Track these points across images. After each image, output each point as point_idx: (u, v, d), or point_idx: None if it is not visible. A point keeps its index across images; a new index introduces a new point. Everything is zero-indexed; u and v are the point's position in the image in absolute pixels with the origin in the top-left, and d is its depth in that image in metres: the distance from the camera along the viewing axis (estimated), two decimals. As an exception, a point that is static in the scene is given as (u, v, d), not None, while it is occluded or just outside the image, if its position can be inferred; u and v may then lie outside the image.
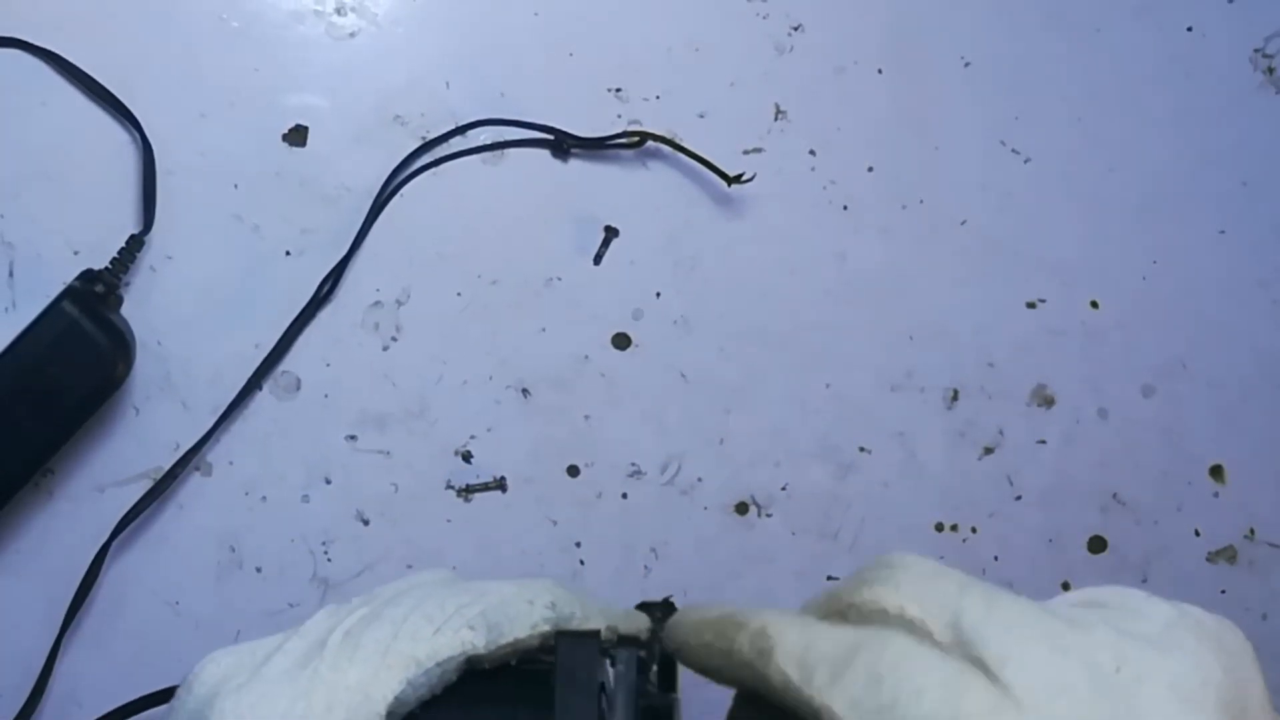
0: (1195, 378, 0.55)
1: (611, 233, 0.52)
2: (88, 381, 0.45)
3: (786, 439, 0.52)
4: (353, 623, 0.28)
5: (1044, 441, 0.54)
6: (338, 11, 0.51)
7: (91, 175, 0.49)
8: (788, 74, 0.54)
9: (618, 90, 0.53)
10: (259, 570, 0.48)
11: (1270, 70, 0.57)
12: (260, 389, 0.49)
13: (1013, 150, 0.55)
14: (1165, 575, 0.54)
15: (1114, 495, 0.54)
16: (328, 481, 0.49)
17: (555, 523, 0.50)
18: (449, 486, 0.50)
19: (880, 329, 0.53)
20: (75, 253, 0.48)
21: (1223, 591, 0.54)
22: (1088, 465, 0.54)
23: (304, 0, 0.51)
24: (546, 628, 0.29)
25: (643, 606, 0.34)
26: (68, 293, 0.45)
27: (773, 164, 0.53)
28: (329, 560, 0.49)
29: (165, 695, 0.46)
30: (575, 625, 0.30)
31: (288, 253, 0.50)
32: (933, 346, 0.53)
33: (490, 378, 0.50)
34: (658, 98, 0.53)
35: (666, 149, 0.52)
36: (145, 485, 0.47)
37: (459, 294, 0.51)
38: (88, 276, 0.46)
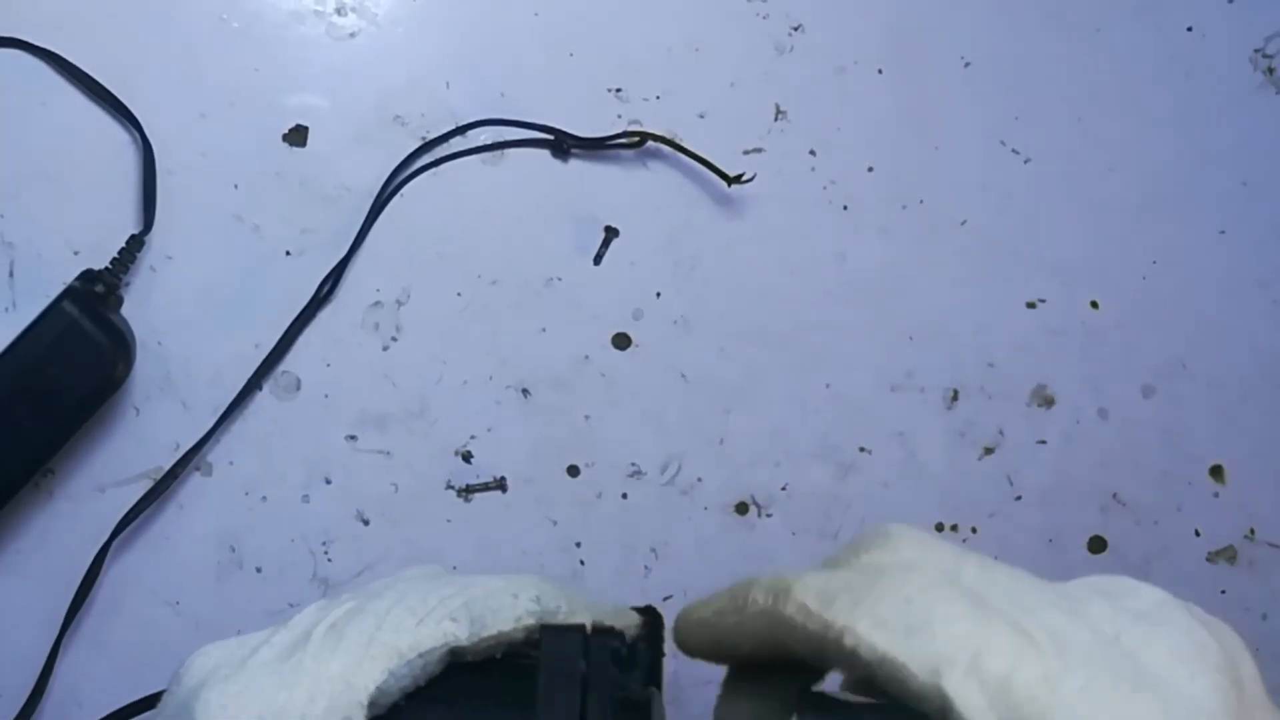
0: (1195, 378, 0.55)
1: (611, 233, 0.52)
2: (88, 381, 0.45)
3: (786, 439, 0.52)
4: (338, 615, 0.28)
5: (1044, 441, 0.54)
6: (338, 12, 0.51)
7: (92, 175, 0.49)
8: (788, 74, 0.54)
9: (618, 90, 0.53)
10: (259, 570, 0.48)
11: (1270, 70, 0.57)
12: (260, 389, 0.49)
13: (1013, 150, 0.55)
14: (1165, 575, 0.54)
15: (1114, 495, 0.54)
16: (328, 481, 0.49)
17: (555, 523, 0.50)
18: (449, 486, 0.50)
19: (880, 329, 0.53)
20: (75, 253, 0.48)
21: (1223, 591, 0.54)
22: (1088, 465, 0.54)
23: (304, 0, 0.51)
24: (531, 621, 0.29)
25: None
26: (68, 293, 0.45)
27: (773, 164, 0.53)
28: (329, 560, 0.49)
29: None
30: (560, 619, 0.30)
31: (288, 253, 0.50)
32: (933, 346, 0.53)
33: (490, 378, 0.50)
34: (658, 98, 0.53)
35: (666, 149, 0.52)
36: (145, 485, 0.47)
37: (459, 294, 0.51)
38: (88, 276, 0.46)
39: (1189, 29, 0.57)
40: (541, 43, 0.52)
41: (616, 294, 0.52)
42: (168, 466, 0.48)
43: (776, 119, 0.53)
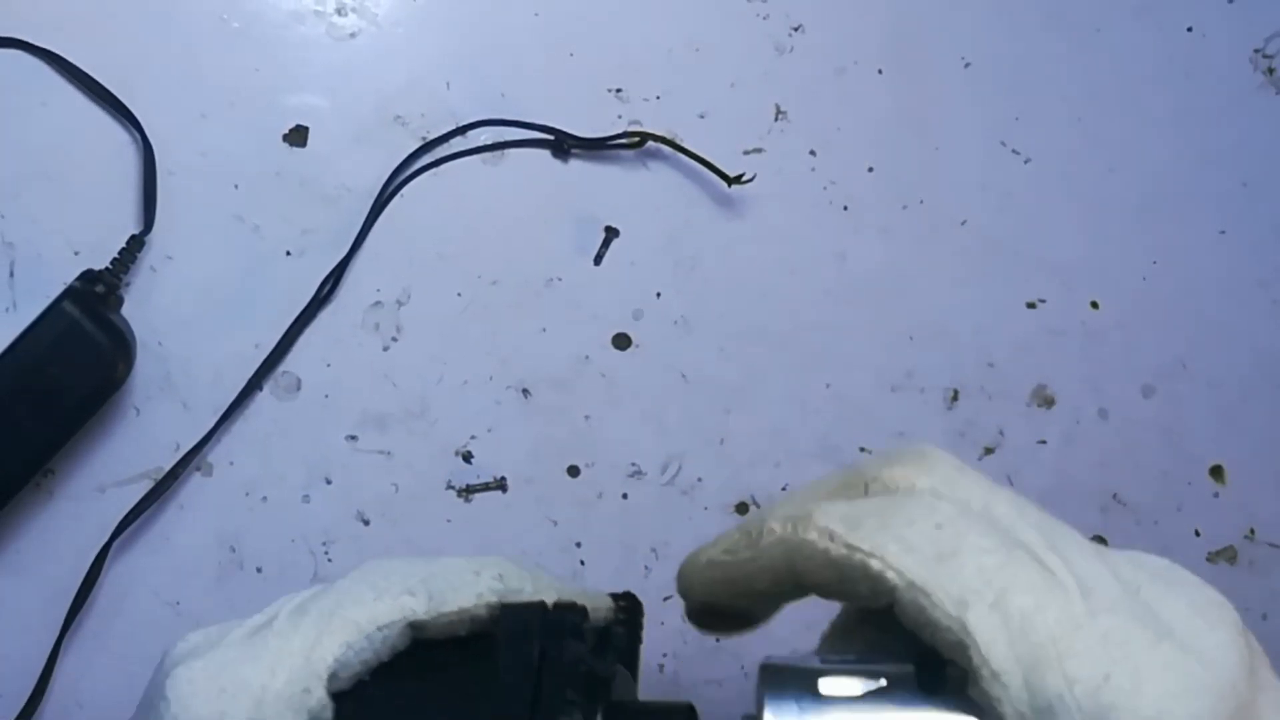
0: (1195, 378, 0.55)
1: (612, 233, 0.52)
2: (88, 382, 0.45)
3: (786, 439, 0.52)
4: (305, 597, 0.30)
5: (1044, 442, 0.54)
6: (338, 12, 0.51)
7: (92, 175, 0.49)
8: (788, 74, 0.54)
9: (618, 90, 0.53)
10: (259, 570, 0.48)
11: (1270, 70, 0.57)
12: (261, 389, 0.49)
13: (1013, 150, 0.55)
14: (1165, 575, 0.54)
15: (1114, 495, 0.54)
16: (328, 482, 0.49)
17: (555, 523, 0.50)
18: (449, 487, 0.50)
19: (880, 329, 0.53)
20: (76, 253, 0.48)
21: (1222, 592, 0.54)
22: (1088, 465, 0.54)
23: (304, 1, 0.51)
24: (493, 599, 0.29)
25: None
26: (68, 293, 0.45)
27: (773, 164, 0.53)
28: (329, 560, 0.49)
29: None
30: (525, 599, 0.30)
31: (288, 253, 0.50)
32: (933, 346, 0.53)
33: (490, 378, 0.50)
34: (658, 98, 0.53)
35: (667, 149, 0.52)
36: (146, 485, 0.47)
37: (459, 294, 0.51)
38: (88, 277, 0.46)
39: (1189, 29, 0.57)
40: (541, 43, 0.52)
41: (616, 294, 0.52)
42: (168, 467, 0.48)
43: (776, 119, 0.53)
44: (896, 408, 0.53)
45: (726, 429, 0.52)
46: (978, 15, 0.55)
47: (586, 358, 0.51)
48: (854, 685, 0.24)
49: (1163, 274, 0.55)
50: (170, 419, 0.48)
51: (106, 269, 0.46)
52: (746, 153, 0.53)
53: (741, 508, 0.51)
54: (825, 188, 0.53)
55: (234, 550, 0.48)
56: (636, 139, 0.51)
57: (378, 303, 0.50)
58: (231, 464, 0.49)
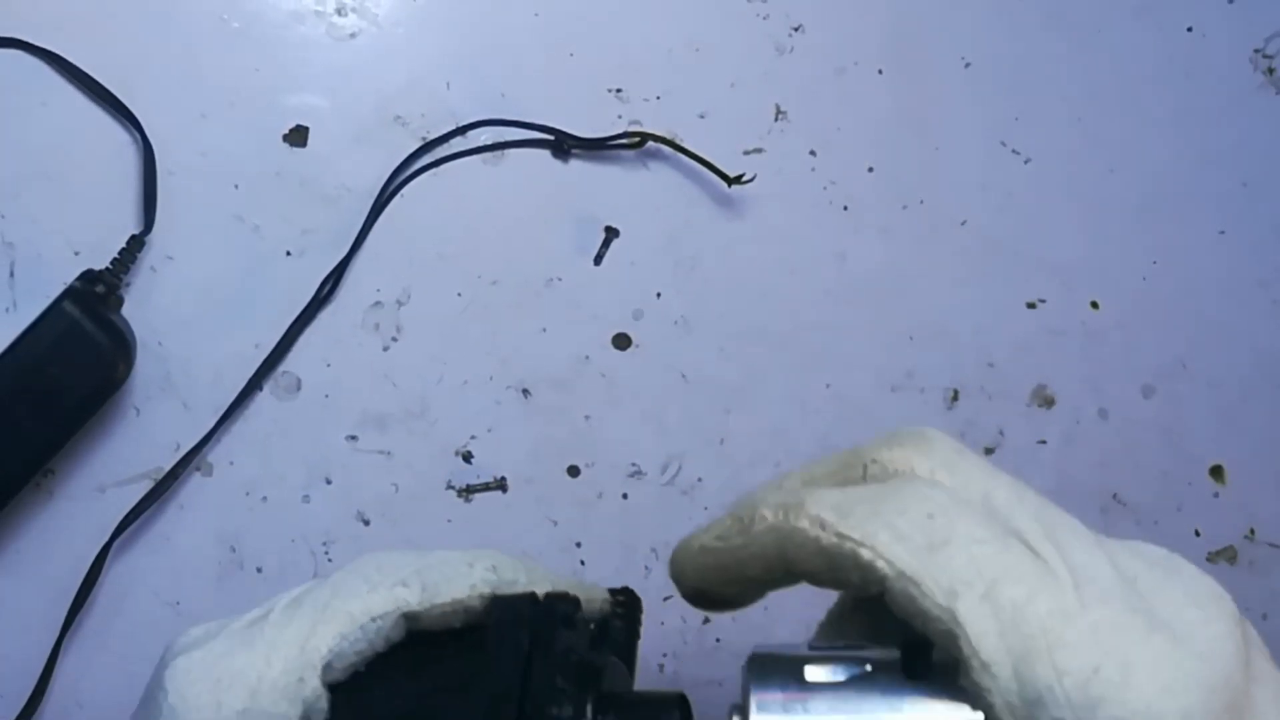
0: (1195, 378, 0.55)
1: (612, 233, 0.52)
2: (88, 382, 0.45)
3: (787, 439, 0.52)
4: (300, 591, 0.30)
5: (1044, 442, 0.54)
6: (338, 12, 0.51)
7: (92, 175, 0.49)
8: (788, 74, 0.54)
9: (618, 90, 0.53)
10: (259, 570, 0.48)
11: (1270, 70, 0.57)
12: (261, 389, 0.49)
13: (1013, 150, 0.55)
14: (1165, 575, 0.54)
15: (1114, 495, 0.54)
16: (328, 482, 0.49)
17: (555, 523, 0.50)
18: (449, 487, 0.50)
19: (880, 329, 0.53)
20: (76, 253, 0.48)
21: (1223, 591, 0.54)
22: (1088, 465, 0.54)
23: (304, 1, 0.51)
24: (486, 590, 0.30)
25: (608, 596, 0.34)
26: (68, 293, 0.45)
27: (773, 164, 0.53)
28: (330, 560, 0.49)
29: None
30: (519, 590, 0.30)
31: (288, 253, 0.50)
32: (933, 346, 0.53)
33: (491, 378, 0.50)
34: (658, 98, 0.53)
35: (667, 149, 0.52)
36: (146, 486, 0.47)
37: (459, 294, 0.51)
38: (88, 277, 0.46)
39: (1189, 29, 0.57)
40: (541, 43, 0.52)
41: (617, 294, 0.52)
42: (168, 467, 0.48)
43: (776, 119, 0.53)
44: (896, 408, 0.53)
45: (726, 429, 0.52)
46: (978, 15, 0.55)
47: (586, 358, 0.51)
48: (838, 671, 0.24)
49: (1163, 274, 0.55)
50: (170, 419, 0.48)
51: (106, 269, 0.46)
52: (746, 153, 0.53)
53: (741, 508, 0.51)
54: (825, 188, 0.53)
55: (234, 550, 0.48)
56: (636, 139, 0.51)
57: (378, 303, 0.50)
58: (231, 464, 0.49)
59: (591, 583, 0.34)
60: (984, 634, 0.22)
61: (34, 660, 0.46)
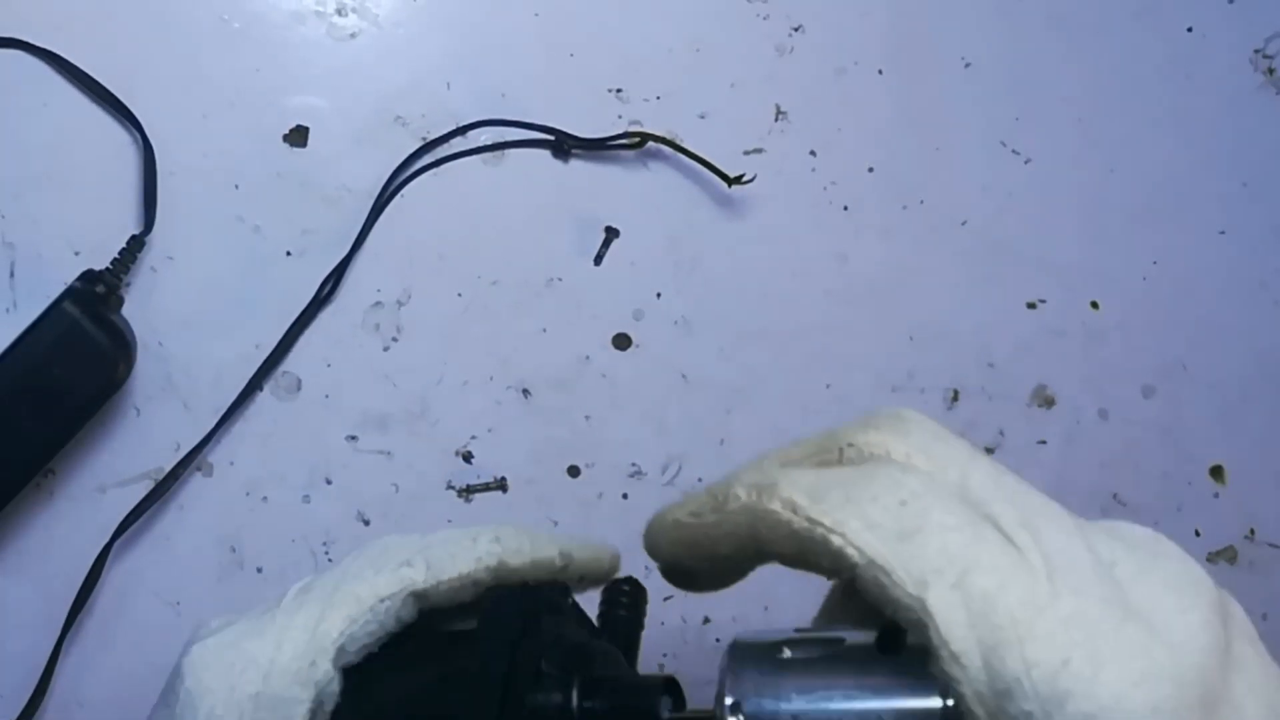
0: (1195, 378, 0.55)
1: (612, 233, 0.52)
2: (89, 382, 0.45)
3: (787, 439, 0.52)
4: (310, 579, 0.31)
5: (1044, 442, 0.54)
6: (339, 12, 0.51)
7: (92, 176, 0.49)
8: (788, 75, 0.54)
9: (618, 91, 0.53)
10: (260, 570, 0.48)
11: (1270, 70, 0.57)
12: (261, 389, 0.49)
13: (1013, 151, 0.55)
14: (1165, 575, 0.54)
15: (1114, 495, 0.54)
16: (328, 482, 0.49)
17: (556, 523, 0.50)
18: (450, 487, 0.50)
19: (880, 330, 0.53)
20: (76, 253, 0.48)
21: (1223, 591, 0.54)
22: (1088, 465, 0.54)
23: (305, 1, 0.51)
24: (492, 561, 0.30)
25: (612, 586, 0.35)
26: (69, 293, 0.45)
27: (773, 165, 0.53)
28: (330, 560, 0.49)
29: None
30: (524, 558, 0.31)
31: (288, 253, 0.50)
32: (933, 347, 0.53)
33: (491, 378, 0.50)
34: (658, 98, 0.53)
35: (667, 150, 0.52)
36: (147, 486, 0.47)
37: (459, 294, 0.51)
38: (89, 277, 0.46)
39: (1189, 29, 0.57)
40: (542, 43, 0.52)
41: (617, 294, 0.52)
42: (169, 467, 0.48)
43: (777, 119, 0.54)
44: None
45: (727, 429, 0.52)
46: (978, 15, 0.55)
47: (587, 358, 0.51)
48: (813, 650, 0.24)
49: (1163, 274, 0.55)
50: (171, 419, 0.48)
51: (107, 269, 0.46)
52: (747, 153, 0.53)
53: (742, 508, 0.51)
54: (825, 188, 0.53)
55: (234, 550, 0.48)
56: (637, 139, 0.51)
57: (378, 303, 0.50)
58: (232, 464, 0.49)
59: (599, 542, 0.34)
60: (954, 624, 0.22)
61: (35, 660, 0.46)
